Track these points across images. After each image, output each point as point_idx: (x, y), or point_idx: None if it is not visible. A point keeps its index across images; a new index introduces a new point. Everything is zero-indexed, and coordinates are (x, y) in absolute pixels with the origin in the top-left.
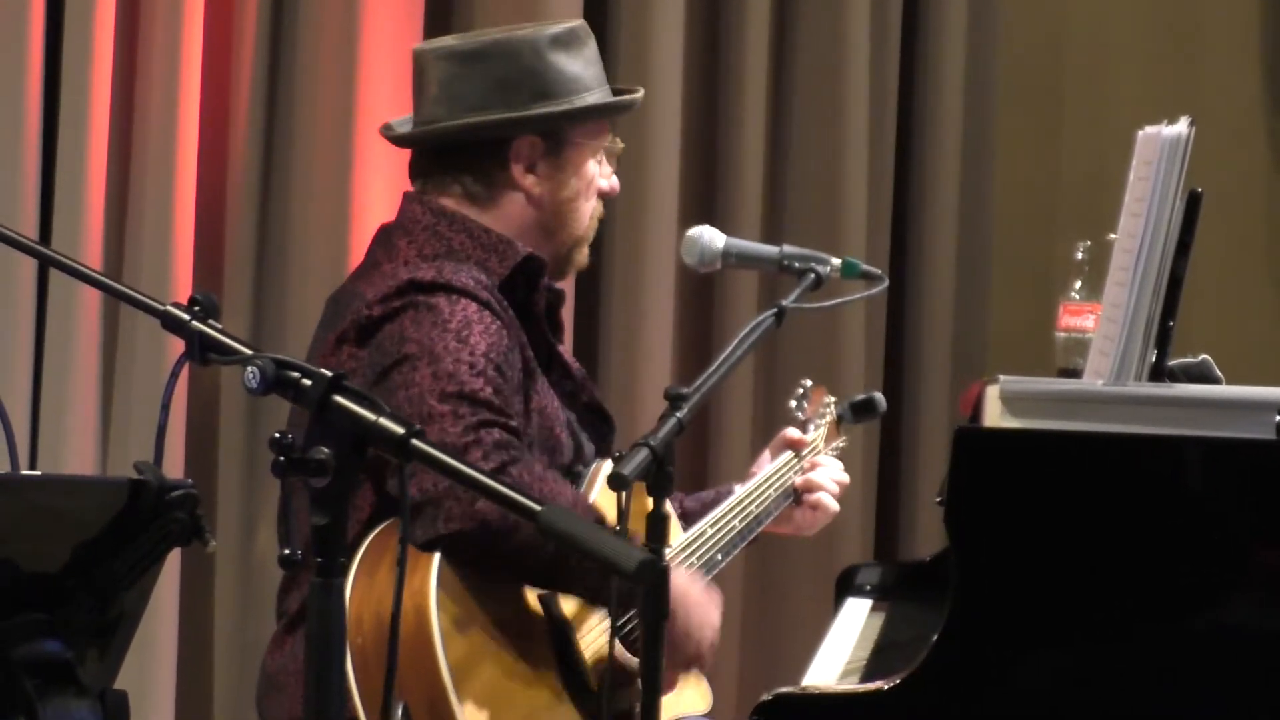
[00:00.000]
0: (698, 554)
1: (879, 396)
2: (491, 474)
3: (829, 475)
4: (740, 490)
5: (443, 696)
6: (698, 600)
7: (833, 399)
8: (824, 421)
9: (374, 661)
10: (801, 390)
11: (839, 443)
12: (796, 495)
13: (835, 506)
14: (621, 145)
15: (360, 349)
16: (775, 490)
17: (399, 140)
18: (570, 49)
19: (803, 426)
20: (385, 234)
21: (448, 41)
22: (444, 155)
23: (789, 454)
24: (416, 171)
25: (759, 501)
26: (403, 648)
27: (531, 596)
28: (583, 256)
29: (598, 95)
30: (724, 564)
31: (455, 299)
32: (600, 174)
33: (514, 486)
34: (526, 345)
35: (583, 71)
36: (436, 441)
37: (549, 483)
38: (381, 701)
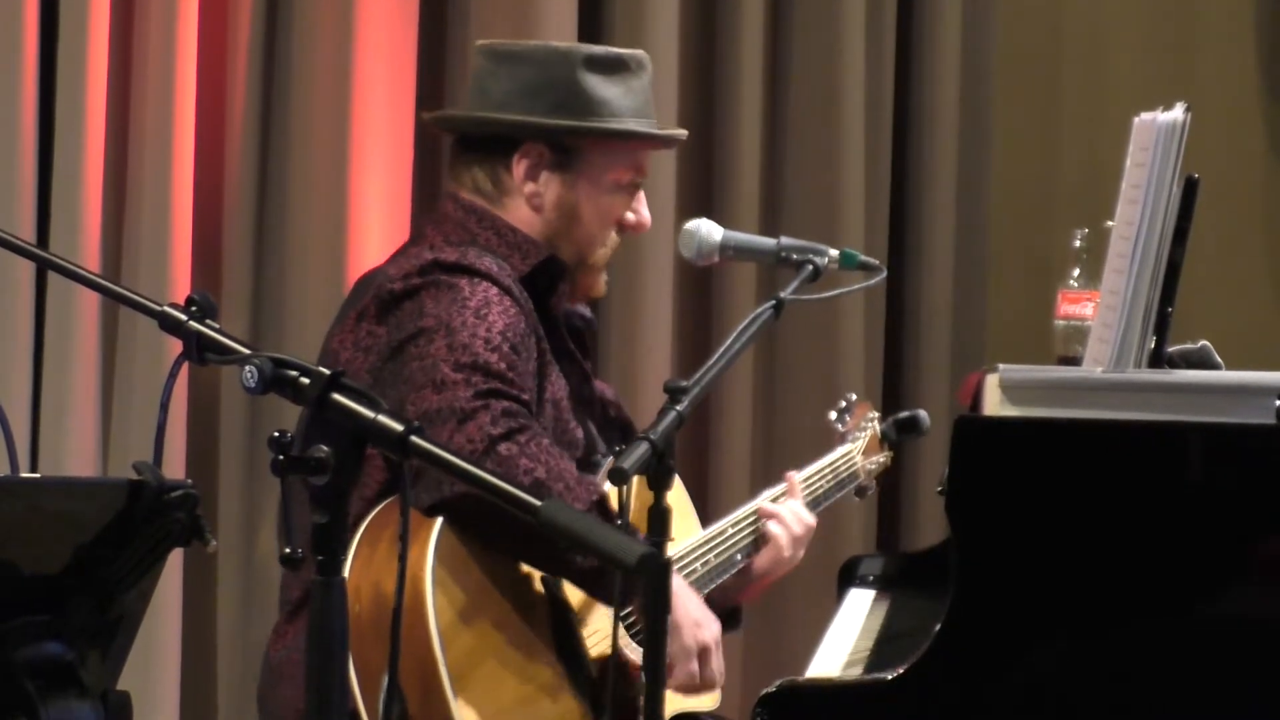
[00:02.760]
0: (715, 552)
1: (923, 414)
2: (498, 440)
3: (791, 511)
4: (769, 492)
5: (434, 670)
6: (694, 617)
7: (876, 414)
8: (864, 435)
9: (369, 632)
10: (845, 404)
11: (880, 458)
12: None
13: (787, 550)
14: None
15: (379, 325)
16: (804, 496)
17: (434, 122)
18: (610, 73)
19: (842, 439)
20: (418, 225)
21: (496, 41)
22: (460, 147)
23: (833, 455)
24: (449, 162)
25: None
26: None
27: (535, 578)
28: (589, 283)
29: (627, 124)
30: (742, 564)
31: (477, 281)
32: (621, 204)
33: (516, 459)
34: (544, 338)
35: (617, 97)
36: (446, 407)
37: (555, 458)
38: (384, 678)
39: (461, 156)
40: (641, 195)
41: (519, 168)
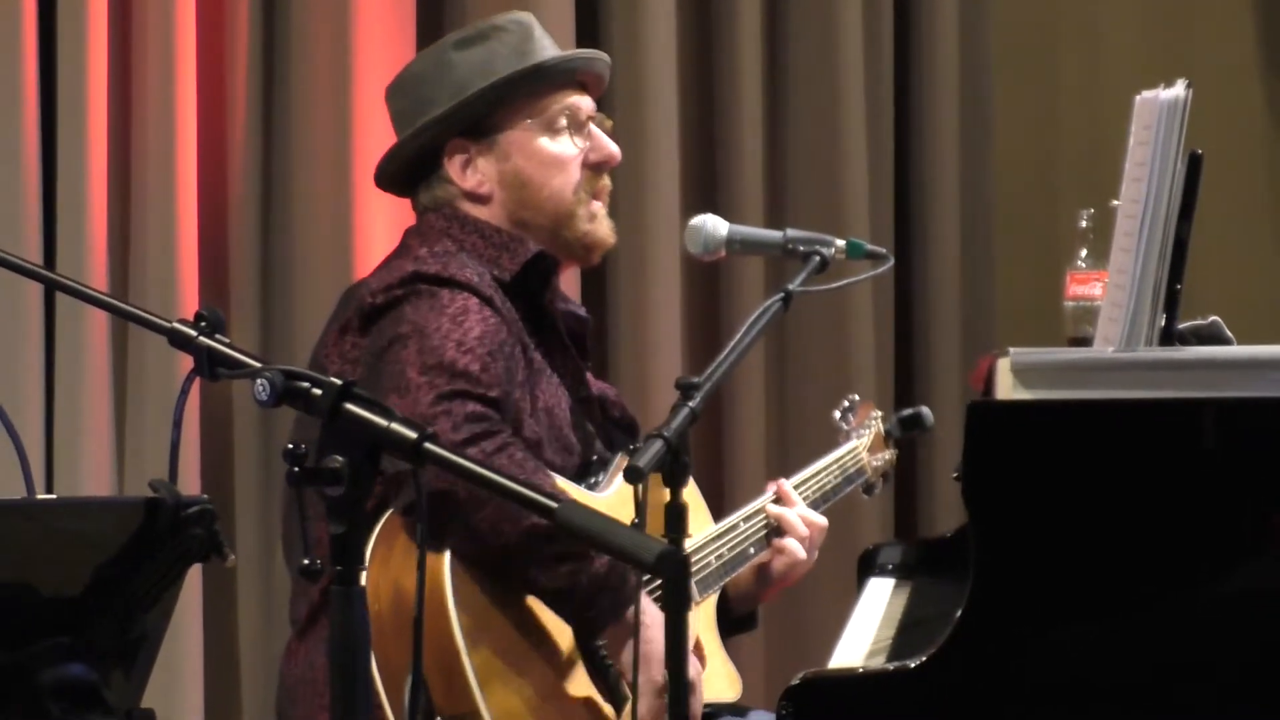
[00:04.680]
0: (728, 545)
1: (926, 411)
2: (459, 446)
3: (798, 515)
4: (765, 498)
5: (458, 664)
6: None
7: (879, 413)
8: (868, 433)
9: (390, 630)
10: (848, 403)
11: (886, 455)
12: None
13: (802, 554)
14: (605, 118)
15: (362, 337)
16: (814, 492)
17: (379, 183)
18: (478, 43)
19: (846, 438)
20: (405, 236)
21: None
22: (405, 184)
23: (837, 452)
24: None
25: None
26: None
27: None
28: (588, 233)
29: (496, 76)
30: (755, 558)
31: (457, 291)
32: (567, 146)
33: (485, 464)
34: (532, 348)
35: (483, 60)
36: (409, 414)
37: (528, 470)
38: (408, 675)
39: (411, 191)
40: (595, 131)
41: (453, 169)
